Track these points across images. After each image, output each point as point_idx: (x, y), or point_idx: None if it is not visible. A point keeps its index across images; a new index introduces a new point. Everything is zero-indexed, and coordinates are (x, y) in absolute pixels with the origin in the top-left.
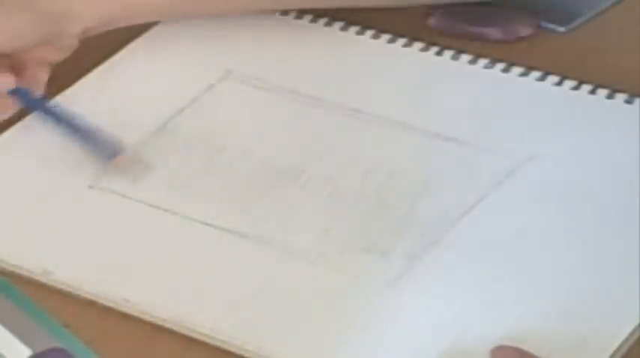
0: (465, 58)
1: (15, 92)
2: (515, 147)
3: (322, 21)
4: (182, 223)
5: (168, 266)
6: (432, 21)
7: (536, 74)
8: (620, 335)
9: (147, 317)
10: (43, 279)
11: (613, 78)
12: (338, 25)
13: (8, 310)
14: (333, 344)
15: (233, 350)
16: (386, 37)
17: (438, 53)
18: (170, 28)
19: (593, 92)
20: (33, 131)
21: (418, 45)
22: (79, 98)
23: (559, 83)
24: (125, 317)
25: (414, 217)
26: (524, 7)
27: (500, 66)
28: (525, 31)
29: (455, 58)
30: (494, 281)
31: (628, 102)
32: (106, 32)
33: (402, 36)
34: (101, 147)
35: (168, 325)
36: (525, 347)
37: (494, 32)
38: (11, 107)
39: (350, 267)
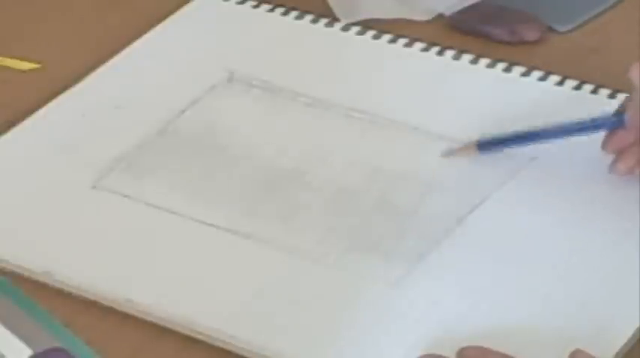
0: (467, 58)
1: None
2: (517, 148)
3: (323, 21)
4: (184, 223)
5: (170, 266)
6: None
7: (537, 74)
8: (622, 337)
9: (149, 318)
10: (45, 279)
11: (614, 78)
12: (339, 25)
13: (9, 310)
14: (336, 344)
15: (235, 350)
16: (387, 37)
17: (439, 53)
18: (172, 30)
19: (594, 92)
20: (35, 131)
21: (419, 45)
22: (81, 98)
23: (560, 83)
24: (126, 317)
25: (417, 218)
26: (534, 11)
27: (502, 66)
28: (531, 36)
29: (456, 58)
30: (496, 282)
31: None
32: (105, 33)
33: (403, 36)
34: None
35: (169, 325)
36: (527, 348)
37: (499, 33)
38: None
39: (353, 267)
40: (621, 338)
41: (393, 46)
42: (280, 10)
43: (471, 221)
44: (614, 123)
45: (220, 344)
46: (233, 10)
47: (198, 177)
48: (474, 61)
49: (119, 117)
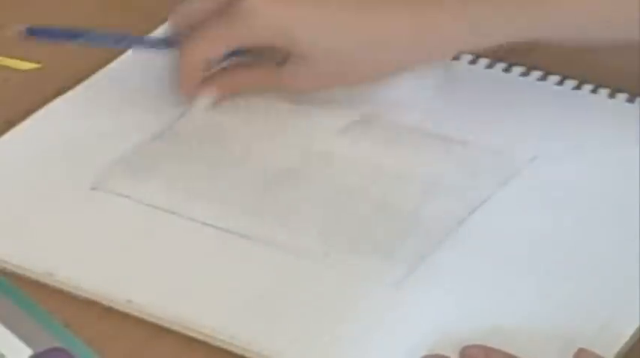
0: (467, 58)
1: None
2: (517, 148)
3: None
4: (184, 224)
5: (170, 267)
6: None
7: (537, 74)
8: (622, 336)
9: (149, 318)
10: (45, 279)
11: (614, 77)
12: None
13: (9, 309)
14: (337, 345)
15: (235, 350)
16: None
17: None
18: None
19: (594, 91)
20: (35, 131)
21: None
22: (81, 99)
23: (560, 83)
24: (126, 317)
25: (418, 218)
26: None
27: (501, 66)
28: None
29: (456, 58)
30: (497, 282)
31: (629, 101)
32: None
33: None
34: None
35: (169, 325)
36: (528, 347)
37: None
38: None
39: (354, 268)
40: (622, 338)
41: None
42: None
43: (472, 221)
44: (156, 43)
45: (220, 344)
46: None
47: (197, 178)
48: (474, 61)
49: (119, 118)
